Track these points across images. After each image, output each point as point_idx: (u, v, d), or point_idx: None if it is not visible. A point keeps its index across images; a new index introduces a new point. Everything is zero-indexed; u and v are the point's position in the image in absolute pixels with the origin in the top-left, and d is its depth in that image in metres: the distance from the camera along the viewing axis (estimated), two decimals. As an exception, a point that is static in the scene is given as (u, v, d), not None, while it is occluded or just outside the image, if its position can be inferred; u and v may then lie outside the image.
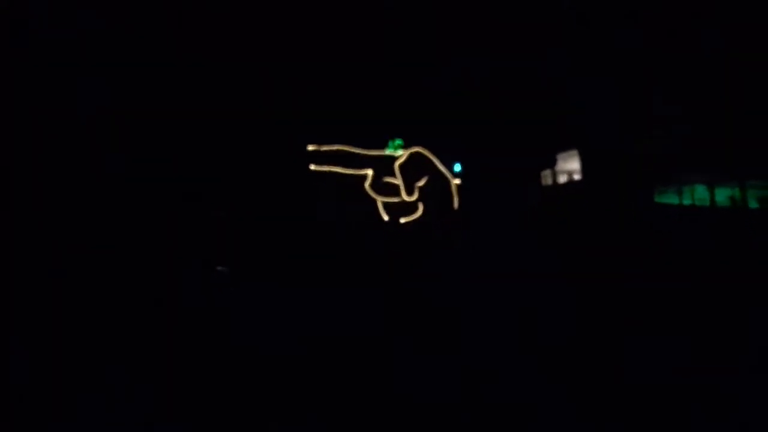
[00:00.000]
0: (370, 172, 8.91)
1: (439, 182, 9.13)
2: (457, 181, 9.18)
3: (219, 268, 8.01)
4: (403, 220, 8.93)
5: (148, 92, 8.12)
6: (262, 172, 8.66)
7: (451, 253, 8.96)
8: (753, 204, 9.77)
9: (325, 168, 8.75)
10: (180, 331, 7.17)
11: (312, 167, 8.66)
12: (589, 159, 9.82)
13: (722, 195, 9.74)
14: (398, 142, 9.16)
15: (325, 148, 8.81)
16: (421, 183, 9.00)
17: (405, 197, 8.94)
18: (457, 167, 8.99)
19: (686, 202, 9.81)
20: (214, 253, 8.13)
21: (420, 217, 8.96)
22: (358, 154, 8.96)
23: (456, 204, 8.99)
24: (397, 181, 8.95)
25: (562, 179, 9.96)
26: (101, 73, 7.89)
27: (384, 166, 8.95)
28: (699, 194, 9.76)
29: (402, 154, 9.05)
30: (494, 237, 9.07)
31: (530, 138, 9.75)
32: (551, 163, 9.93)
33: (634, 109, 9.73)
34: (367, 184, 8.91)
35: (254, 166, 8.66)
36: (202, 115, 8.34)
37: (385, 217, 8.93)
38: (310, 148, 8.72)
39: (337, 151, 8.81)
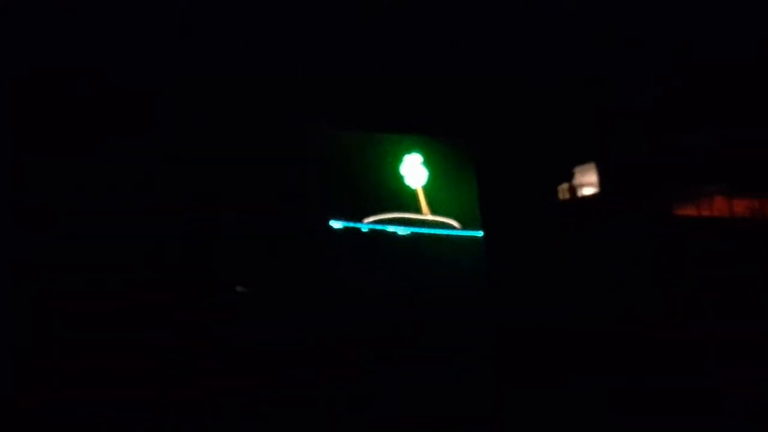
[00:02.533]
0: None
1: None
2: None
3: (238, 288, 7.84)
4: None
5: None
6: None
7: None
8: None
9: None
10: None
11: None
12: (606, 172, 9.73)
13: (741, 206, 9.64)
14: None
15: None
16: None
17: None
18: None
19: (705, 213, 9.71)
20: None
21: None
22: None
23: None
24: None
25: (580, 192, 9.85)
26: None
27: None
28: (717, 206, 9.65)
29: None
30: (513, 254, 8.95)
31: (547, 151, 9.66)
32: (568, 177, 9.82)
33: (651, 119, 9.66)
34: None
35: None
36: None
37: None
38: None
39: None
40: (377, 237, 8.46)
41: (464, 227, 8.94)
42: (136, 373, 6.29)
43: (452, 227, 8.81)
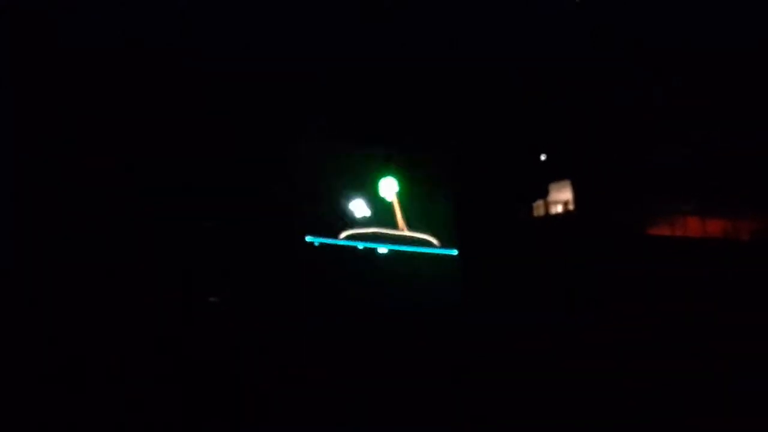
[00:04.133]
0: None
1: None
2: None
3: (211, 298, 7.79)
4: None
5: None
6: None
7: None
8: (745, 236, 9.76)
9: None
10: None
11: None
12: (581, 189, 9.80)
13: (715, 227, 9.72)
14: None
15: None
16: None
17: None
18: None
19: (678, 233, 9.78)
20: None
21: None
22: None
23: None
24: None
25: (555, 210, 9.91)
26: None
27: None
28: (691, 226, 9.73)
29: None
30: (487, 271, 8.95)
31: (522, 167, 9.72)
32: (543, 194, 9.88)
33: (628, 140, 9.75)
34: None
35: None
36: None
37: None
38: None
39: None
40: (353, 252, 8.46)
41: (440, 242, 8.94)
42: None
43: (428, 243, 8.81)
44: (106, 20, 7.52)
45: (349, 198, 8.62)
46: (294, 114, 8.54)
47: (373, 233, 8.58)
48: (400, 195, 8.85)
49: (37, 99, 7.14)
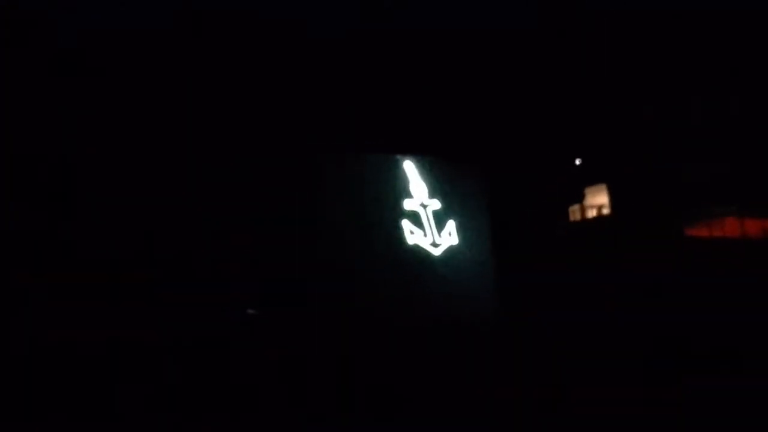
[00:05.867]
0: None
1: None
2: None
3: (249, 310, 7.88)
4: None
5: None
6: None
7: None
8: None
9: None
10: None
11: None
12: (617, 193, 9.74)
13: (753, 227, 9.63)
14: None
15: None
16: None
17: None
18: None
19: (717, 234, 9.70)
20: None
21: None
22: None
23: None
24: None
25: (591, 214, 9.87)
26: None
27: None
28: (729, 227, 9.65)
29: None
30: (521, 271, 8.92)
31: (558, 172, 9.67)
32: (579, 198, 9.83)
33: (664, 142, 9.66)
34: None
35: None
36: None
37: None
38: None
39: None
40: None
41: (475, 250, 8.91)
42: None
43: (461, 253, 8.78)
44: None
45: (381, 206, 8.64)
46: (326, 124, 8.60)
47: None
48: (437, 202, 8.82)
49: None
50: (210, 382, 6.91)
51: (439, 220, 8.81)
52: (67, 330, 6.61)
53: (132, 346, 6.85)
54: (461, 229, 8.87)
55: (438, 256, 8.70)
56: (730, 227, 9.56)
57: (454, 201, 8.97)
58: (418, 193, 8.79)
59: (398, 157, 8.96)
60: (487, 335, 8.21)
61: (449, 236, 8.82)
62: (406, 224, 8.59)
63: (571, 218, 9.96)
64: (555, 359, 7.96)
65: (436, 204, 8.82)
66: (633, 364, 8.04)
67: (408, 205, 8.64)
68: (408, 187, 8.78)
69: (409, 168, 8.88)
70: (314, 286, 8.11)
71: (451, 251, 8.78)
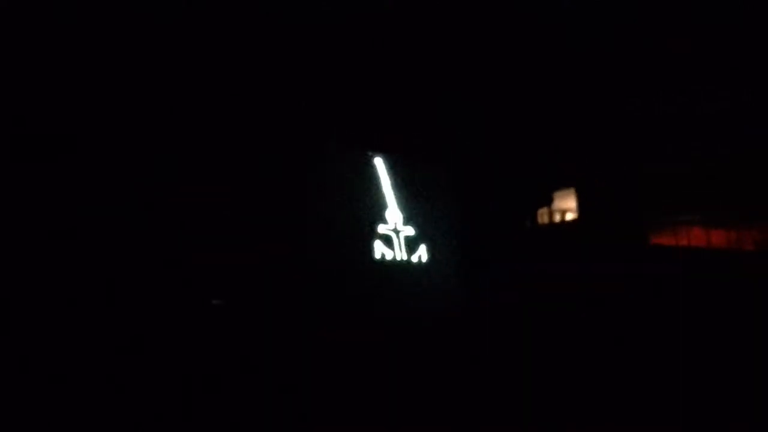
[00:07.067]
0: None
1: None
2: None
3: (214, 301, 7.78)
4: None
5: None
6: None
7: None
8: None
9: None
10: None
11: None
12: (585, 198, 9.82)
13: (719, 237, 9.75)
14: None
15: None
16: None
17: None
18: None
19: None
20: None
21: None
22: None
23: None
24: None
25: (558, 218, 9.95)
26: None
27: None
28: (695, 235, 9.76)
29: None
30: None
31: (527, 176, 9.74)
32: (548, 202, 9.91)
33: (631, 149, 9.79)
34: None
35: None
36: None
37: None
38: None
39: None
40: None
41: (446, 251, 8.89)
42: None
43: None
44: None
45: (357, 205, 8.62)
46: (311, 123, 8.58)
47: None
48: (406, 202, 8.82)
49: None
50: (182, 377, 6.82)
51: (411, 245, 8.79)
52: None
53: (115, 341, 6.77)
54: (431, 245, 8.85)
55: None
56: (696, 236, 9.68)
57: (424, 198, 8.93)
58: (392, 217, 8.74)
59: (369, 153, 8.97)
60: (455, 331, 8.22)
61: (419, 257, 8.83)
62: (378, 245, 8.59)
63: (539, 221, 10.04)
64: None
65: (409, 230, 8.79)
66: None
67: (381, 229, 8.64)
68: (383, 212, 8.77)
69: (380, 167, 8.89)
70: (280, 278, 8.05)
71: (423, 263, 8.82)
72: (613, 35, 9.18)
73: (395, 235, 8.77)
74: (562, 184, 9.90)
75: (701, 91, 9.62)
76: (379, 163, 8.92)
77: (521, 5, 8.73)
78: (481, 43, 8.71)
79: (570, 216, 10.02)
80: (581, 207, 9.85)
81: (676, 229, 9.70)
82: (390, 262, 8.58)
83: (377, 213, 8.70)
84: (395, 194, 8.87)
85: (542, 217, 10.04)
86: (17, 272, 6.52)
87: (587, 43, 9.11)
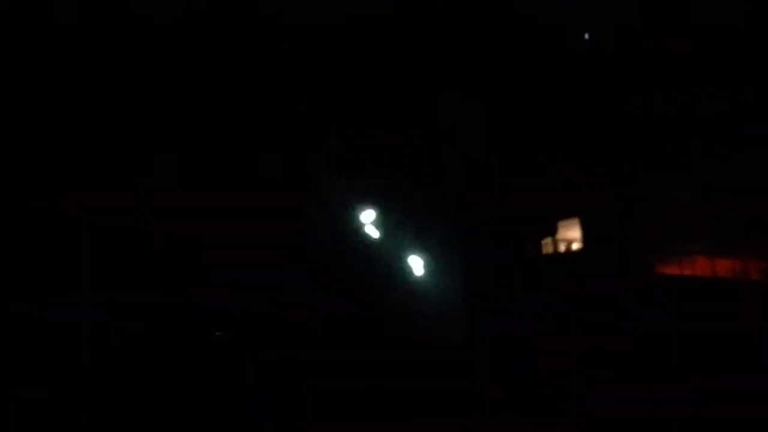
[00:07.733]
0: None
1: None
2: None
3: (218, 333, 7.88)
4: None
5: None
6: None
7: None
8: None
9: None
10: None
11: None
12: (590, 228, 9.80)
13: (723, 267, 9.67)
14: None
15: None
16: None
17: None
18: None
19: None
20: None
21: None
22: None
23: None
24: None
25: (563, 247, 9.94)
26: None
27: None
28: (700, 265, 9.69)
29: None
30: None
31: (532, 205, 9.74)
32: (552, 231, 9.92)
33: (636, 178, 9.78)
34: None
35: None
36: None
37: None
38: None
39: None
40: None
41: (446, 277, 8.93)
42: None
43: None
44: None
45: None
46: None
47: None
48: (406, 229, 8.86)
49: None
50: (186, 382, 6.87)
51: (412, 269, 8.81)
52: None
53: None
54: (432, 271, 8.87)
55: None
56: (700, 266, 9.63)
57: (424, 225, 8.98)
58: (393, 240, 8.78)
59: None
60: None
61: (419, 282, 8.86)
62: (379, 265, 8.64)
63: (544, 251, 10.03)
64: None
65: (412, 256, 8.82)
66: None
67: (382, 251, 8.70)
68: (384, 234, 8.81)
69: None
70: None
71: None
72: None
73: (395, 257, 8.83)
74: (567, 214, 9.92)
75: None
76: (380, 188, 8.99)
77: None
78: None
79: (575, 246, 10.00)
80: (586, 237, 9.84)
81: (682, 259, 9.65)
82: (389, 284, 8.65)
83: (378, 234, 8.74)
84: (397, 219, 8.94)
85: (546, 246, 10.05)
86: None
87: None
